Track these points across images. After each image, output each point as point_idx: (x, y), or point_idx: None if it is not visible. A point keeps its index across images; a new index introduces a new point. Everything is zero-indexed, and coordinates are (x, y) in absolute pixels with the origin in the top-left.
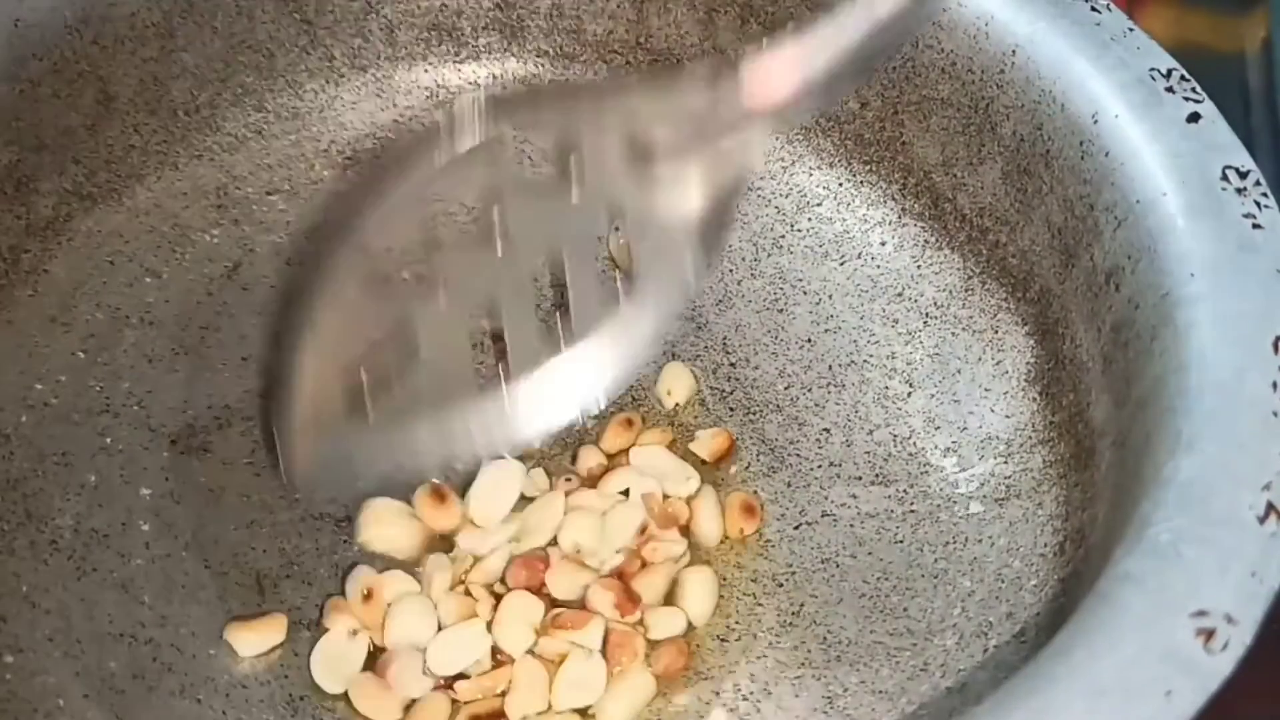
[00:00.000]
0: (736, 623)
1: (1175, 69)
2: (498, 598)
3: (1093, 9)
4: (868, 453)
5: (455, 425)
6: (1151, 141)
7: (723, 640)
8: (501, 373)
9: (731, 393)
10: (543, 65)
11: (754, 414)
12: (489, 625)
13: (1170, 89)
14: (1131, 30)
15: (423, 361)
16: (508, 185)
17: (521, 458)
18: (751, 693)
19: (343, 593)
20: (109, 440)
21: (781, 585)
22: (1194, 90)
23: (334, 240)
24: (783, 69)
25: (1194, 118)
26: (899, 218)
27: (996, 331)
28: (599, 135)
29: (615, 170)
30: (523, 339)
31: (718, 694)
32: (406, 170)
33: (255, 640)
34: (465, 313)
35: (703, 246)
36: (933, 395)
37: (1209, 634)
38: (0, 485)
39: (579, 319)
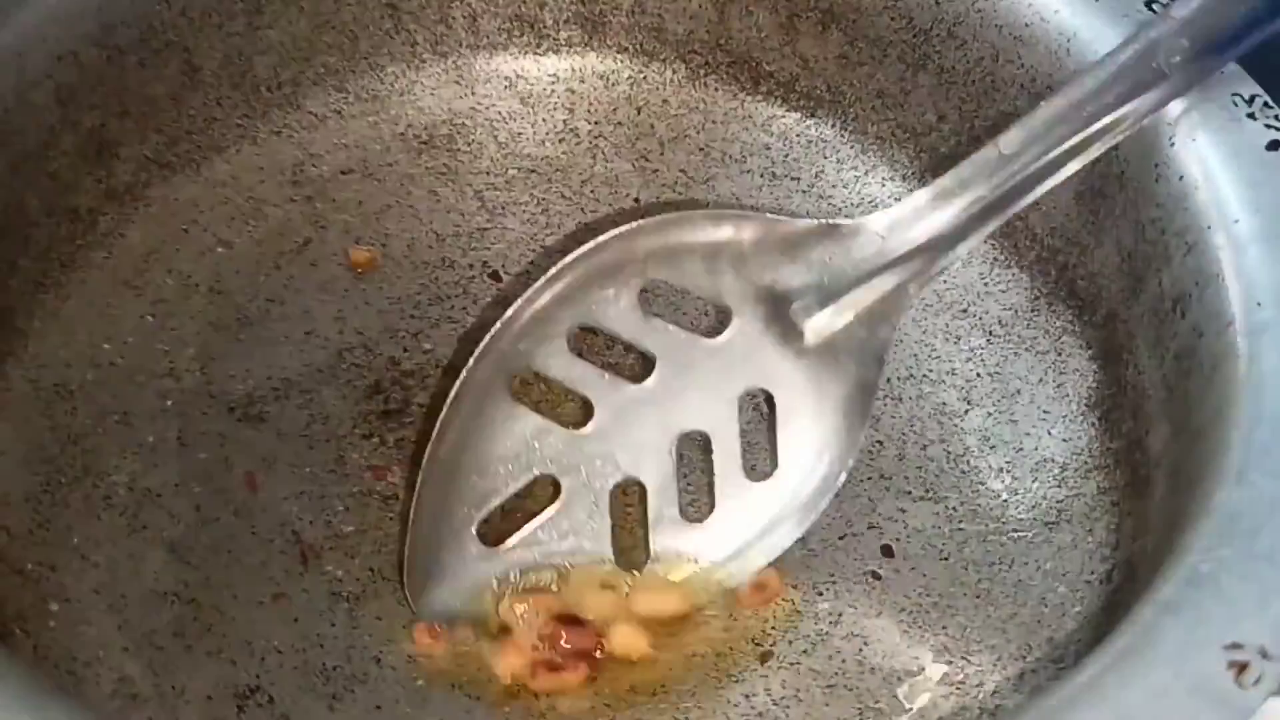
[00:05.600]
0: (773, 627)
1: (1259, 95)
2: None
3: None
4: (919, 468)
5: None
6: (1228, 167)
7: (757, 644)
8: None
9: None
10: (622, 61)
11: None
12: None
13: (1252, 115)
14: None
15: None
16: (665, 332)
17: None
18: (782, 698)
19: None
20: (169, 403)
21: (821, 594)
22: (1276, 118)
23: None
24: (914, 218)
25: (1274, 145)
26: None
27: (1059, 354)
28: (746, 295)
29: (765, 338)
30: (662, 504)
31: (748, 697)
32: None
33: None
34: (608, 465)
35: (847, 430)
36: (990, 414)
37: (1241, 667)
38: (61, 439)
39: (720, 494)
